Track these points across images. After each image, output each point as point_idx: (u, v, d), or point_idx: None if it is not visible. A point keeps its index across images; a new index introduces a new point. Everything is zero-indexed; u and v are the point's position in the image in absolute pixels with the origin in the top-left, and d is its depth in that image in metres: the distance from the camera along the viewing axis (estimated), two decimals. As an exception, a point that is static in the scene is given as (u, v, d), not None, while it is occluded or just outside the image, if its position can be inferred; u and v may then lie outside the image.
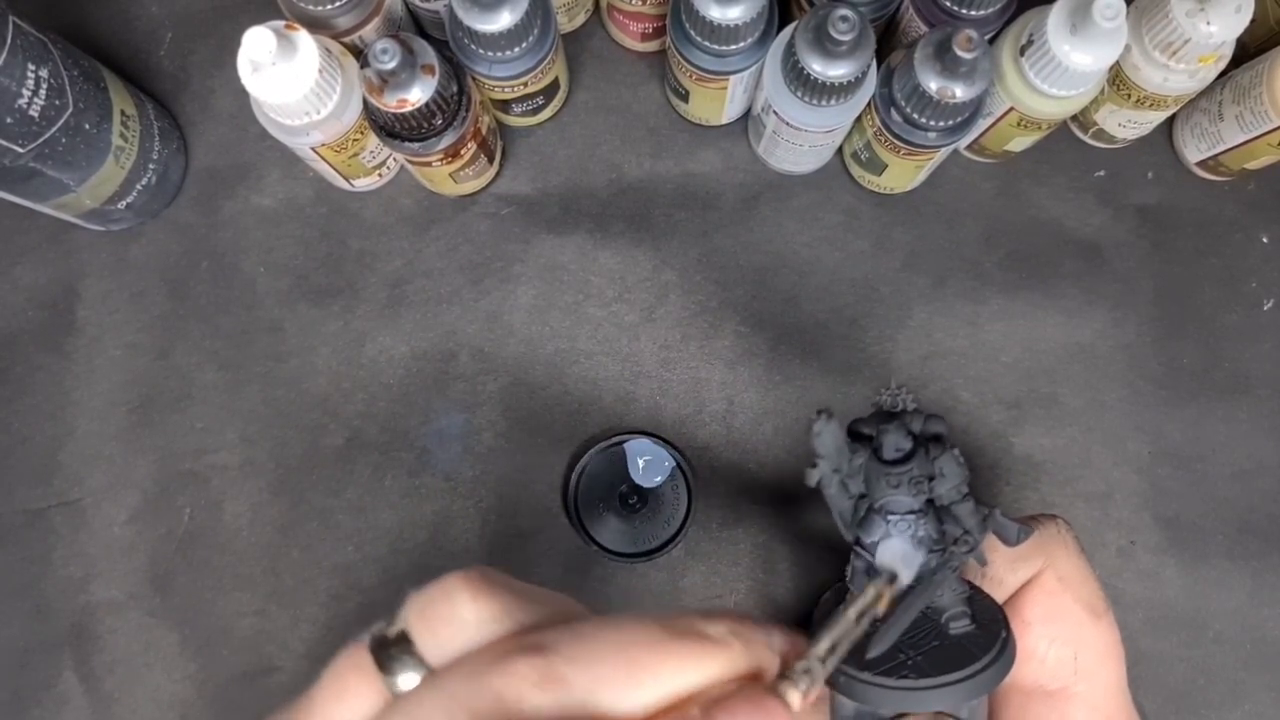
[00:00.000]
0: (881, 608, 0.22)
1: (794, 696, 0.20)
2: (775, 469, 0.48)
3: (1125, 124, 0.47)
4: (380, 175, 0.49)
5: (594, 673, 0.19)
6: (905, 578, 0.23)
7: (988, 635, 0.34)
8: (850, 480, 0.34)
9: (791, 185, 0.50)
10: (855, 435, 0.35)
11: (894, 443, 0.34)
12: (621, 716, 0.18)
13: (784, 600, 0.47)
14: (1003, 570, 0.36)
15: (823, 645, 0.21)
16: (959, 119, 0.41)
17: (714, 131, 0.50)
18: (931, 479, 0.34)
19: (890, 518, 0.34)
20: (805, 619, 0.47)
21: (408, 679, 0.20)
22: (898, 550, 0.22)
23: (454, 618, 0.20)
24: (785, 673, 0.20)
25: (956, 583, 0.35)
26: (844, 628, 0.22)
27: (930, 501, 0.34)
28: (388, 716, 0.19)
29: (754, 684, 0.19)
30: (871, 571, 0.34)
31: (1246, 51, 0.46)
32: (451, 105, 0.41)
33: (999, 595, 0.38)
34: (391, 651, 0.20)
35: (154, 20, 0.51)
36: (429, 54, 0.39)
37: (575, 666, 0.19)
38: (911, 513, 0.34)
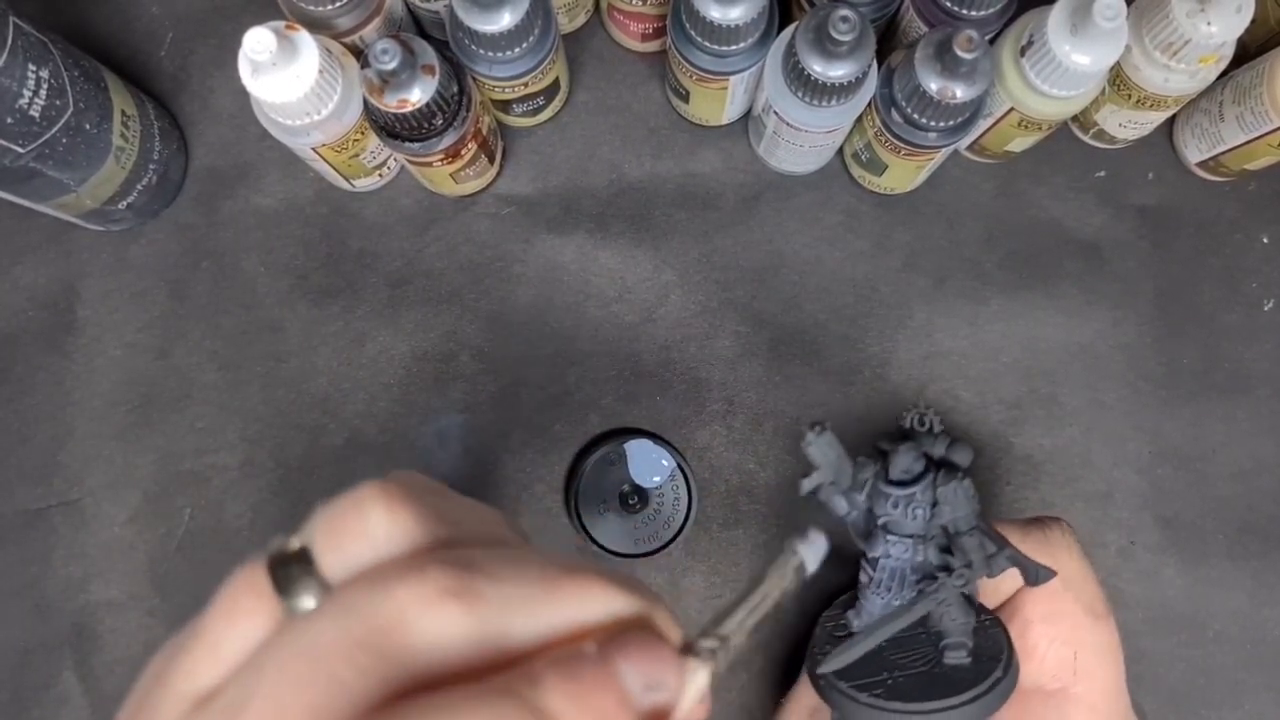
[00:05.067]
0: (789, 588, 0.23)
1: (701, 673, 0.19)
2: (775, 469, 0.48)
3: (1125, 124, 0.47)
4: (380, 175, 0.49)
5: (511, 592, 0.17)
6: (810, 567, 0.23)
7: (978, 673, 0.34)
8: (855, 493, 0.34)
9: (792, 185, 0.50)
10: (876, 449, 0.35)
11: (903, 465, 0.33)
12: (525, 642, 0.17)
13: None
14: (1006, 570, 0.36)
15: (729, 624, 0.20)
16: (959, 119, 0.41)
17: (714, 132, 0.50)
18: (935, 505, 0.33)
19: (889, 538, 0.34)
20: (807, 620, 0.47)
21: (307, 601, 0.18)
22: (816, 545, 0.23)
23: (364, 532, 0.18)
24: (691, 647, 0.19)
25: (962, 611, 0.34)
26: (750, 608, 0.21)
27: (943, 528, 0.34)
28: (277, 638, 0.17)
29: (643, 628, 0.19)
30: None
31: (1247, 51, 0.46)
32: (452, 105, 0.41)
33: (1003, 593, 0.37)
34: (291, 569, 0.18)
35: (154, 20, 0.51)
36: (429, 54, 0.39)
37: (493, 582, 0.17)
38: (911, 536, 0.34)
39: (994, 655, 0.34)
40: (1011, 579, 0.35)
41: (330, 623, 0.17)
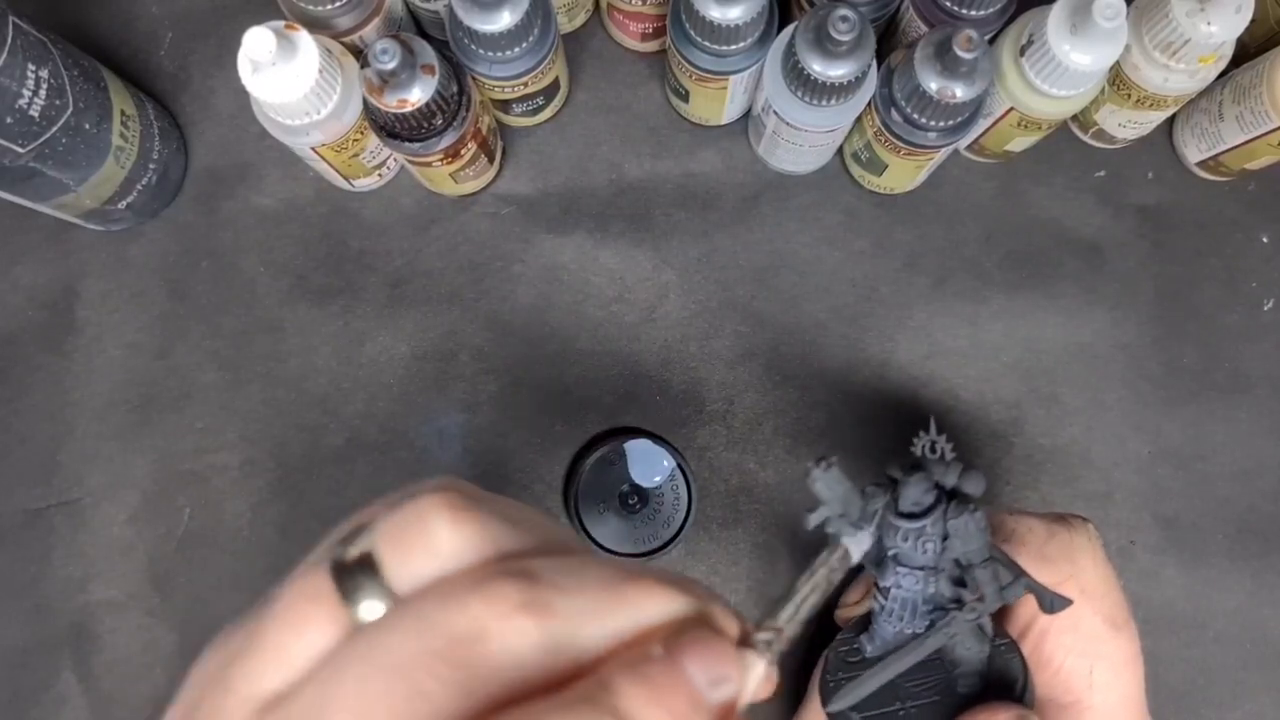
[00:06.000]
0: (836, 579, 0.24)
1: (759, 664, 0.20)
2: (775, 469, 0.48)
3: (1125, 124, 0.47)
4: (380, 175, 0.49)
5: (578, 602, 0.18)
6: (855, 556, 0.25)
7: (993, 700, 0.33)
8: (865, 524, 0.33)
9: (791, 185, 0.50)
10: (887, 477, 0.34)
11: (913, 497, 0.32)
12: (592, 648, 0.18)
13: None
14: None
15: (783, 615, 0.22)
16: (959, 119, 0.41)
17: (714, 131, 0.50)
18: (946, 538, 0.33)
19: (900, 569, 0.33)
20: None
21: (371, 608, 0.18)
22: (861, 538, 0.25)
23: (429, 545, 0.18)
24: (748, 641, 0.20)
25: (975, 640, 0.34)
26: (801, 598, 0.23)
27: (955, 561, 0.33)
28: (351, 647, 0.17)
29: (702, 625, 0.19)
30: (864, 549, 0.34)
31: (1247, 51, 0.46)
32: (451, 105, 0.41)
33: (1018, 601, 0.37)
34: (356, 578, 0.18)
35: (154, 20, 0.51)
36: (429, 54, 0.39)
37: (561, 594, 0.18)
38: (921, 569, 0.33)
39: (1008, 681, 0.34)
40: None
41: (408, 635, 0.17)
